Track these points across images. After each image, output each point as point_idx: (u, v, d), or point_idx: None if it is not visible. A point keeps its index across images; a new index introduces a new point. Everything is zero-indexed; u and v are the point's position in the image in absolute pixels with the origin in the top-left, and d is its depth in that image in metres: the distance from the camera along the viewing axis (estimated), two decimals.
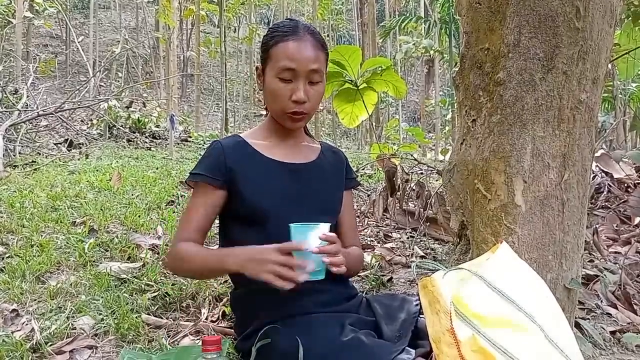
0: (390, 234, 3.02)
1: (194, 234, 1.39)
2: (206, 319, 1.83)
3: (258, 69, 1.45)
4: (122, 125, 8.58)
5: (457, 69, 1.61)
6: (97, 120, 8.56)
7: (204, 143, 9.30)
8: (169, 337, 1.68)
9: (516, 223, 1.42)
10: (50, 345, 1.55)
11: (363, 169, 5.40)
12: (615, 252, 2.61)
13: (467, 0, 1.56)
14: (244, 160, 1.41)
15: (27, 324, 1.68)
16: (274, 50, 1.37)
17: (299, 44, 1.35)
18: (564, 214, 1.44)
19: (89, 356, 1.55)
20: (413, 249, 2.69)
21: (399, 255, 2.57)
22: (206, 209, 1.40)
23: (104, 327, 1.68)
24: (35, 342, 1.55)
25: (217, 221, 1.50)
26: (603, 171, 3.60)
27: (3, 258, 2.21)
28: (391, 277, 2.27)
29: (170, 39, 11.83)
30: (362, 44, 14.28)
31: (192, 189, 1.45)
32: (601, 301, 2.01)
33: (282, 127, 1.47)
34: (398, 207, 3.23)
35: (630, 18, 4.15)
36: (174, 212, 3.11)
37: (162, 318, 1.81)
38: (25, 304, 1.83)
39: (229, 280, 2.01)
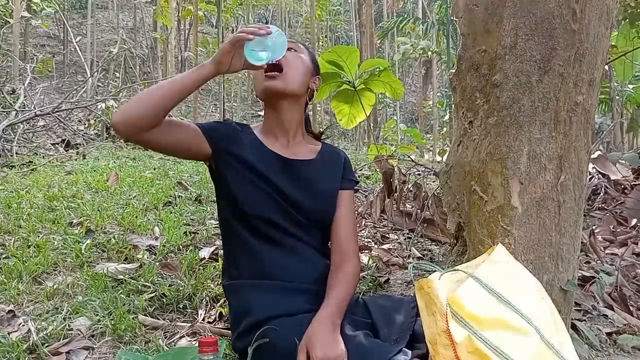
0: (387, 235, 3.02)
1: None
2: (203, 320, 1.83)
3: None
4: None
5: (454, 71, 1.62)
6: (95, 120, 8.53)
7: None
8: (165, 338, 1.68)
9: (512, 225, 1.42)
10: (47, 346, 1.55)
11: (361, 170, 5.41)
12: (612, 254, 2.61)
13: (463, 2, 1.56)
14: (245, 142, 1.47)
15: (23, 325, 1.68)
16: None
17: None
18: (560, 216, 1.44)
19: (86, 357, 1.55)
20: (410, 250, 2.70)
21: (396, 257, 2.57)
22: (184, 127, 1.41)
23: (101, 328, 1.68)
24: (32, 343, 1.55)
25: (215, 223, 1.50)
26: (600, 173, 3.62)
27: (0, 259, 2.21)
28: (388, 279, 2.27)
29: (168, 40, 11.83)
30: (360, 45, 14.27)
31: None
32: (597, 303, 2.01)
33: (276, 120, 1.51)
34: (395, 209, 3.24)
35: (627, 20, 4.17)
36: (171, 212, 3.11)
37: (159, 319, 1.81)
38: (22, 304, 1.83)
39: None
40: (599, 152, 3.87)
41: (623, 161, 3.62)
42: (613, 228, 3.01)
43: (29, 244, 2.36)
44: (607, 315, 1.95)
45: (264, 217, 1.41)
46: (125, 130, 1.27)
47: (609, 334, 1.82)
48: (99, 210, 3.00)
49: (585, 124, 1.48)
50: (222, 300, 1.93)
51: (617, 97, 7.12)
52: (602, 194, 3.47)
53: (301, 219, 1.44)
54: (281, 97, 1.47)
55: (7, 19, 10.81)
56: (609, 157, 3.64)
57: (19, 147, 6.09)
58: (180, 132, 1.38)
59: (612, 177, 3.55)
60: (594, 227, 2.68)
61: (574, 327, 1.70)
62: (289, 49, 1.45)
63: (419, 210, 3.09)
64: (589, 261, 2.42)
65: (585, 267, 2.29)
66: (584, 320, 1.88)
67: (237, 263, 1.47)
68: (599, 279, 2.02)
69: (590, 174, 3.58)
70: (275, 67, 1.43)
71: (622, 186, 3.53)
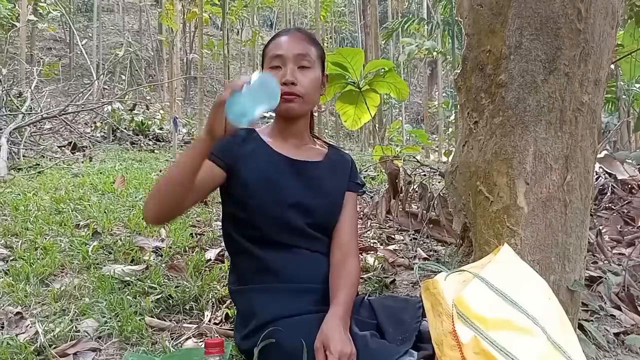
0: (393, 236, 3.02)
1: None
2: (209, 321, 1.83)
3: None
4: (125, 128, 8.60)
5: (459, 71, 1.62)
6: (101, 123, 8.57)
7: None
8: (172, 339, 1.69)
9: (519, 225, 1.41)
10: (54, 348, 1.56)
11: (366, 171, 5.41)
12: (619, 254, 2.60)
13: (468, 3, 1.56)
14: (252, 148, 1.47)
15: (31, 327, 1.69)
16: (266, 49, 1.50)
17: (285, 36, 1.48)
18: (566, 216, 1.44)
19: (93, 359, 1.56)
20: (416, 251, 2.69)
21: (402, 257, 2.57)
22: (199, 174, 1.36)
23: (108, 329, 1.69)
24: (39, 345, 1.56)
25: (220, 224, 1.50)
26: (607, 172, 3.60)
27: (7, 261, 2.22)
28: (394, 279, 2.27)
29: (173, 42, 11.87)
30: (364, 46, 14.27)
31: None
32: (605, 303, 2.00)
33: (286, 127, 1.51)
34: (401, 209, 3.23)
35: (633, 19, 4.14)
36: None
37: (165, 320, 1.82)
38: (30, 306, 1.84)
39: None
40: (605, 152, 3.85)
41: (630, 160, 3.59)
42: (620, 228, 2.99)
43: (36, 246, 2.38)
44: (614, 316, 1.94)
45: (268, 222, 1.42)
46: (161, 223, 1.34)
47: (616, 335, 1.81)
48: (105, 212, 3.01)
49: (591, 124, 1.47)
50: (228, 302, 1.94)
51: (623, 96, 7.08)
52: (609, 194, 3.46)
53: (306, 220, 1.45)
54: (297, 117, 1.49)
55: (14, 23, 10.88)
56: (616, 156, 3.61)
57: (26, 149, 6.13)
58: (201, 184, 1.35)
59: (619, 177, 3.52)
60: (601, 227, 2.67)
61: (581, 327, 1.69)
62: (303, 68, 1.43)
63: (424, 211, 3.08)
64: (596, 261, 2.41)
65: (592, 267, 2.28)
66: (591, 320, 1.87)
67: (243, 269, 1.48)
68: (606, 279, 2.01)
69: (596, 174, 3.57)
70: (293, 91, 1.41)
71: (630, 186, 3.50)
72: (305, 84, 1.43)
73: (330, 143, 1.68)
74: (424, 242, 2.91)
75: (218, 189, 1.50)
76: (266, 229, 1.43)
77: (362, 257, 2.48)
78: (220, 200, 1.55)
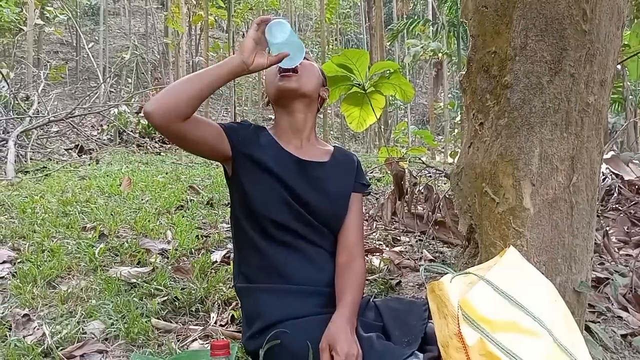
0: (398, 238, 3.01)
1: None
2: (215, 323, 1.84)
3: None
4: (132, 131, 8.63)
5: (464, 73, 1.61)
6: (107, 125, 8.61)
7: None
8: (178, 341, 1.69)
9: (525, 226, 1.41)
10: (61, 349, 1.57)
11: (371, 172, 5.40)
12: (626, 255, 2.58)
13: (473, 4, 1.56)
14: (264, 143, 1.49)
15: (38, 329, 1.70)
16: None
17: None
18: (572, 217, 1.43)
19: None
20: (422, 253, 2.69)
21: (408, 259, 2.56)
22: (210, 124, 1.42)
23: (114, 331, 1.70)
24: (47, 347, 1.56)
25: (227, 226, 1.50)
26: (613, 173, 3.58)
27: (15, 263, 2.23)
28: (400, 281, 2.26)
29: (179, 45, 11.89)
30: (370, 48, 14.28)
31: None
32: (612, 304, 1.99)
33: (288, 121, 1.53)
34: (406, 211, 3.23)
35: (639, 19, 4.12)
36: (183, 216, 3.13)
37: (171, 322, 1.82)
38: (37, 308, 1.85)
39: None
40: (612, 152, 3.82)
41: (637, 161, 3.57)
42: (627, 229, 2.98)
43: (44, 248, 2.39)
44: (621, 317, 1.93)
45: (276, 218, 1.43)
46: (159, 118, 1.26)
47: (623, 336, 1.80)
48: (112, 214, 3.03)
49: (597, 125, 1.47)
50: (234, 303, 1.94)
51: (630, 97, 7.04)
52: (615, 195, 3.44)
53: (313, 220, 1.46)
54: (295, 97, 1.50)
55: (21, 27, 10.95)
56: (621, 157, 3.60)
57: (33, 152, 6.17)
58: (206, 129, 1.39)
59: (626, 178, 3.50)
60: (607, 228, 2.66)
61: (587, 329, 1.68)
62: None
63: (430, 213, 3.08)
64: (602, 262, 2.40)
65: (599, 269, 2.27)
66: (598, 322, 1.86)
67: (249, 265, 1.48)
68: (612, 280, 2.00)
69: (603, 175, 3.55)
70: (290, 69, 1.46)
71: (637, 186, 3.49)
72: (303, 64, 1.49)
73: (336, 145, 1.68)
74: (430, 244, 2.90)
75: (226, 186, 1.51)
76: (268, 223, 1.43)
77: (367, 258, 2.47)
78: (225, 202, 1.56)
